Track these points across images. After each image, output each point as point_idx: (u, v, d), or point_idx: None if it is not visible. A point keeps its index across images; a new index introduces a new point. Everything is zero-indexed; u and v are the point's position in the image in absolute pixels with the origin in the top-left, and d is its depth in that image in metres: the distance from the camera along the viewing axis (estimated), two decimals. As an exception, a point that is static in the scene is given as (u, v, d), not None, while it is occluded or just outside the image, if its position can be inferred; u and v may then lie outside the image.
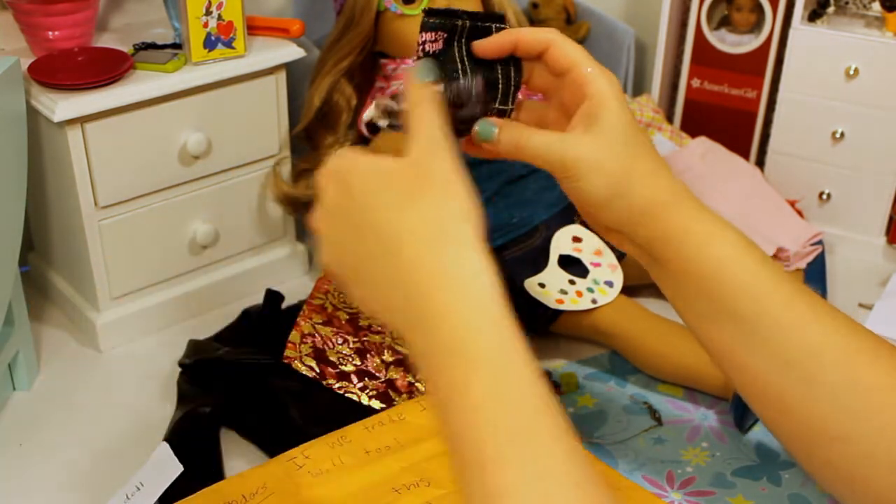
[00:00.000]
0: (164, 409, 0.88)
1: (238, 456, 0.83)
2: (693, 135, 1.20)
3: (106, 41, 0.99)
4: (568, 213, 0.98)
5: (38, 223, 1.02)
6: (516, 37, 0.66)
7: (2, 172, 0.81)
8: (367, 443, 0.79)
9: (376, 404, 0.85)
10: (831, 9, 1.11)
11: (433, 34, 0.66)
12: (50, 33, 0.93)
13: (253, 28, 0.98)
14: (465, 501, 0.49)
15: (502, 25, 0.68)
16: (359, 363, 0.87)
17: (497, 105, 0.68)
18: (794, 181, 1.15)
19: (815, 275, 1.05)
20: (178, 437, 0.81)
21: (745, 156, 1.20)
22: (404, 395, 0.86)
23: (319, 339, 0.88)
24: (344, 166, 0.58)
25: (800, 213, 1.12)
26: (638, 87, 1.30)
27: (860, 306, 1.03)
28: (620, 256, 0.97)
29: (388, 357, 0.87)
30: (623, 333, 0.93)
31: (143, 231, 0.96)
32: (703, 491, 0.80)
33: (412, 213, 0.54)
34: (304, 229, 1.11)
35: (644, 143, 0.65)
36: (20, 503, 0.79)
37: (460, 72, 0.65)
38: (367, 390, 0.85)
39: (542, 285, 0.94)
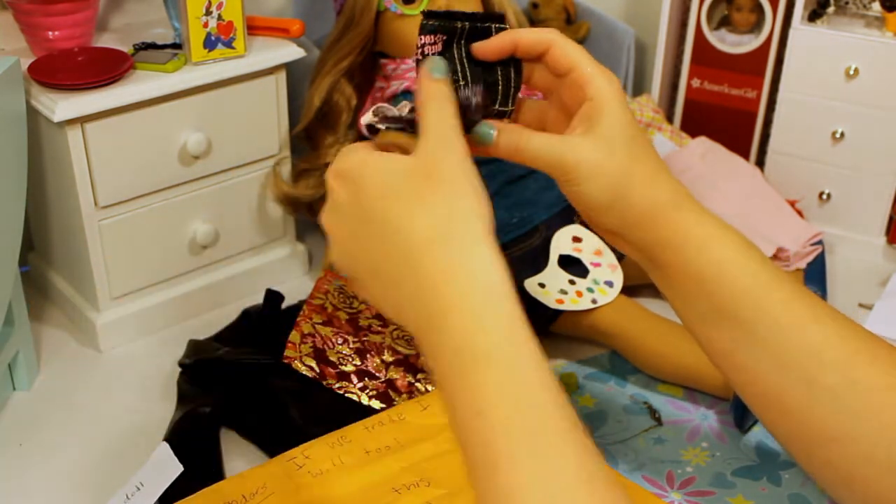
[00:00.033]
0: (164, 409, 0.88)
1: (238, 456, 0.83)
2: (693, 135, 1.20)
3: (106, 41, 0.99)
4: (568, 213, 0.98)
5: (38, 223, 1.02)
6: (516, 38, 0.66)
7: (2, 172, 0.81)
8: (367, 443, 0.79)
9: (376, 404, 0.85)
10: (831, 9, 1.11)
11: (432, 37, 0.65)
12: (50, 33, 0.93)
13: (253, 28, 0.98)
14: (478, 500, 0.49)
15: (502, 25, 0.67)
16: (359, 363, 0.87)
17: (497, 107, 0.67)
18: (794, 181, 1.15)
19: (815, 275, 1.05)
20: (178, 437, 0.81)
21: (745, 156, 1.20)
22: (404, 395, 0.86)
23: (319, 339, 0.88)
24: (353, 165, 0.57)
25: (800, 213, 1.12)
26: (638, 87, 1.30)
27: (860, 306, 1.03)
28: (620, 256, 0.97)
29: (388, 357, 0.87)
30: (623, 333, 0.93)
31: (143, 231, 0.96)
32: (703, 491, 0.80)
33: (422, 211, 0.54)
34: (304, 229, 1.11)
35: (644, 145, 0.65)
36: (20, 503, 0.79)
37: (460, 77, 0.65)
38: (367, 390, 0.85)
39: (542, 285, 0.94)
